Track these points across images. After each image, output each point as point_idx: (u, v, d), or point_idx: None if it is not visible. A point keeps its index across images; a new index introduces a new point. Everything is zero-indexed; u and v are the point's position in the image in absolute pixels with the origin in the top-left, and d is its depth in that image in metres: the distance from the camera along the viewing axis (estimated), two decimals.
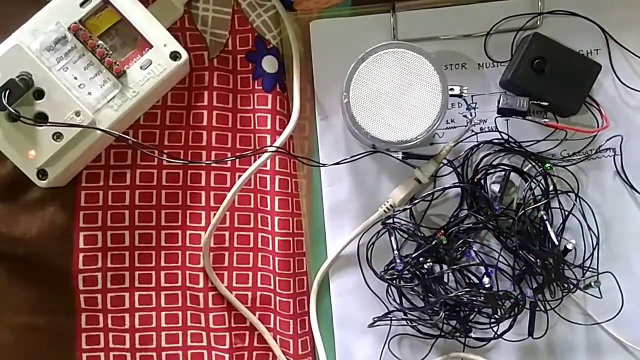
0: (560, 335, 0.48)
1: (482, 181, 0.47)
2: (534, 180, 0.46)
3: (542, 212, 0.46)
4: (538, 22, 0.48)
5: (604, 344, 0.48)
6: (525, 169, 0.47)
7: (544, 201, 0.46)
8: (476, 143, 0.48)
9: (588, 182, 0.48)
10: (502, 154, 0.48)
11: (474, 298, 0.44)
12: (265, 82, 0.49)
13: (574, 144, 0.48)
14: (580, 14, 0.48)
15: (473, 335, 0.47)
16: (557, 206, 0.47)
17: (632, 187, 0.48)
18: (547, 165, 0.46)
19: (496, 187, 0.47)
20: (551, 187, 0.47)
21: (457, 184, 0.48)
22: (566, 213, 0.47)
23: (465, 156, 0.48)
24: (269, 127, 0.49)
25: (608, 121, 0.47)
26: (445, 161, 0.48)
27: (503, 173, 0.47)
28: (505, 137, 0.48)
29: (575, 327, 0.48)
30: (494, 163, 0.48)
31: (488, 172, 0.47)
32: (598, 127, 0.48)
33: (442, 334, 0.47)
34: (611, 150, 0.48)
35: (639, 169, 0.48)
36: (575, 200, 0.47)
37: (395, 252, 0.46)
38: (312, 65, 0.49)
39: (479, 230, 0.47)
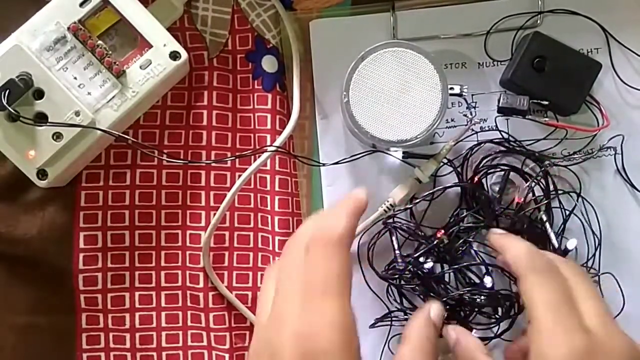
0: None
1: (483, 180, 0.47)
2: (534, 180, 0.46)
3: (541, 213, 0.45)
4: (538, 21, 0.48)
5: None
6: (526, 170, 0.47)
7: (545, 202, 0.46)
8: (476, 142, 0.48)
9: (588, 181, 0.48)
10: (502, 154, 0.48)
11: (475, 297, 0.44)
12: (265, 82, 0.49)
13: (574, 143, 0.48)
14: (581, 13, 0.48)
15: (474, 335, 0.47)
16: (558, 206, 0.47)
17: (633, 186, 0.48)
18: (547, 162, 0.46)
19: (497, 187, 0.47)
20: (552, 187, 0.47)
21: (457, 184, 0.48)
22: (567, 212, 0.47)
23: (465, 156, 0.48)
24: (269, 126, 0.49)
25: (609, 120, 0.47)
26: (445, 160, 0.47)
27: (503, 173, 0.46)
28: (506, 136, 0.48)
29: None
30: (494, 163, 0.47)
31: (488, 172, 0.47)
32: (598, 126, 0.48)
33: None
34: (612, 149, 0.48)
35: (639, 168, 0.48)
36: (577, 200, 0.47)
37: (397, 251, 0.46)
38: (312, 64, 0.49)
39: (479, 230, 0.47)
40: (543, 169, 0.46)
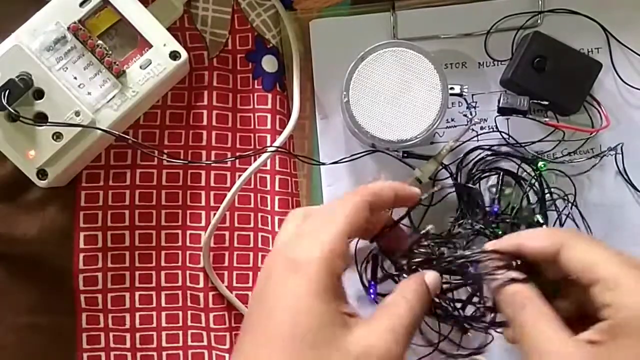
0: None
1: (478, 185, 0.47)
2: (529, 184, 0.46)
3: (537, 216, 0.45)
4: (538, 21, 0.48)
5: None
6: (523, 174, 0.47)
7: (539, 212, 0.46)
8: (474, 147, 0.48)
9: (589, 181, 0.48)
10: (498, 157, 0.47)
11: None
12: (265, 82, 0.49)
13: (574, 143, 0.48)
14: (581, 12, 0.48)
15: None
16: (554, 209, 0.47)
17: (633, 186, 0.48)
18: (541, 164, 0.46)
19: (494, 190, 0.47)
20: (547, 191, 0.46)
21: (449, 191, 0.47)
22: (563, 216, 0.47)
23: (462, 159, 0.48)
24: (269, 126, 0.49)
25: (609, 120, 0.47)
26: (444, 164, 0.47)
27: (497, 177, 0.46)
28: (506, 136, 0.47)
29: None
30: (490, 166, 0.47)
31: (482, 176, 0.47)
32: (598, 126, 0.48)
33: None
34: (612, 149, 0.48)
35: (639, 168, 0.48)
36: (571, 207, 0.47)
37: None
38: (312, 64, 0.49)
39: (475, 236, 0.46)
40: (537, 172, 0.46)
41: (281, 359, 0.29)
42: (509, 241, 0.35)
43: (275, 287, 0.31)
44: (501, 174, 0.47)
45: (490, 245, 0.35)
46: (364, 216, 0.34)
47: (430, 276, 0.35)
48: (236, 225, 0.49)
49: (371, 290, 0.42)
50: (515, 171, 0.47)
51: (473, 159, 0.48)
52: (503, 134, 0.47)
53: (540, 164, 0.46)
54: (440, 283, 0.36)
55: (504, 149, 0.48)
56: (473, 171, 0.47)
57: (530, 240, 0.34)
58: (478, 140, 0.48)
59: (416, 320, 0.32)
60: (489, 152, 0.47)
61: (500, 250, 0.35)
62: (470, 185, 0.47)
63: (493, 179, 0.47)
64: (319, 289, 0.30)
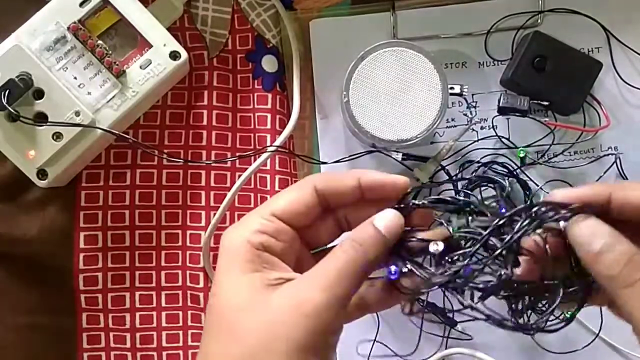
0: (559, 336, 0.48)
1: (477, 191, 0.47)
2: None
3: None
4: (539, 20, 0.48)
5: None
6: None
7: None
8: (471, 159, 0.48)
9: (588, 182, 0.48)
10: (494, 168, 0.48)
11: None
12: (265, 82, 0.49)
13: (574, 143, 0.48)
14: (581, 12, 0.48)
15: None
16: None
17: None
18: (521, 149, 0.46)
19: (491, 200, 0.47)
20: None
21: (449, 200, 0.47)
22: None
23: (460, 167, 0.48)
24: (269, 126, 0.49)
25: (609, 119, 0.47)
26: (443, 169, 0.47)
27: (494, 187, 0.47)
28: (504, 140, 0.48)
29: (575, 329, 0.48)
30: (486, 175, 0.47)
31: (472, 188, 0.47)
32: (599, 125, 0.48)
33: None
34: (612, 148, 0.48)
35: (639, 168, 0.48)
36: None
37: None
38: (312, 64, 0.49)
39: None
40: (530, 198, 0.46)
41: (214, 337, 0.30)
42: (593, 190, 0.29)
43: (214, 279, 0.32)
44: (496, 186, 0.47)
45: (564, 193, 0.29)
46: (304, 200, 0.32)
47: (382, 218, 0.31)
48: None
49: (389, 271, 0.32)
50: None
51: (472, 165, 0.48)
52: (499, 136, 0.47)
53: (520, 150, 0.46)
54: (401, 221, 0.31)
55: (501, 154, 0.48)
56: (472, 180, 0.47)
57: (626, 190, 0.29)
58: (478, 141, 0.48)
59: (355, 268, 0.30)
60: (481, 165, 0.48)
61: (580, 201, 0.28)
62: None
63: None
64: (238, 264, 0.31)
